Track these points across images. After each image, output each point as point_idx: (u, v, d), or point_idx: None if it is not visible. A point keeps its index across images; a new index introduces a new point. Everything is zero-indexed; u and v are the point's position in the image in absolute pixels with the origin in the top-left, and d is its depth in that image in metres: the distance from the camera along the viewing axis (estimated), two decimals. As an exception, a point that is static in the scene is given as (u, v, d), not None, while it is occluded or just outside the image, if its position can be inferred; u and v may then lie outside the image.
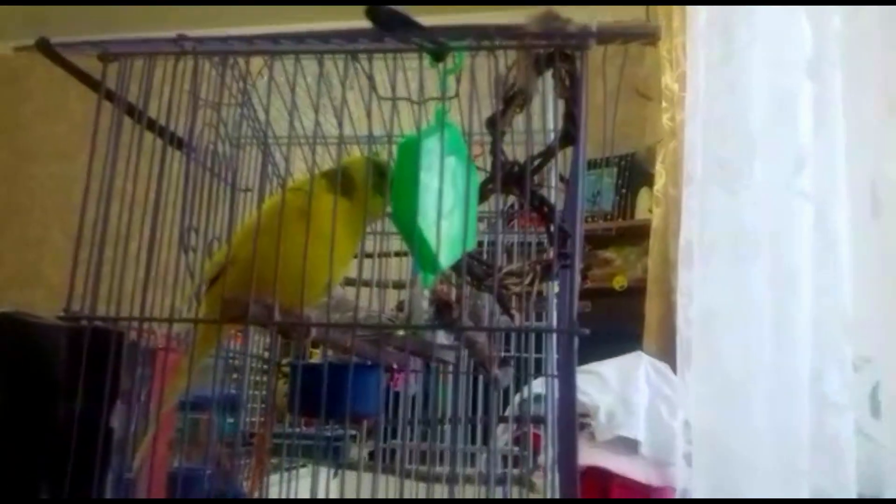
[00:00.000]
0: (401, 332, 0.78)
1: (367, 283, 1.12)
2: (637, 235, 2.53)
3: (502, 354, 0.96)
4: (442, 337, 0.79)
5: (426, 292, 0.75)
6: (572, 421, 0.63)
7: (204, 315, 0.70)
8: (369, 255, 1.10)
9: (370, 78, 0.81)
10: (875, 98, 1.00)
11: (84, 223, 0.64)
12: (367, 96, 0.86)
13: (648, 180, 2.46)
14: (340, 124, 0.85)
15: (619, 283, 2.56)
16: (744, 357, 1.28)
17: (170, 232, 0.74)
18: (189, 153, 0.77)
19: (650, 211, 2.40)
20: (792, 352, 1.22)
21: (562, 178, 1.03)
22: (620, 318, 2.36)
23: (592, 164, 2.70)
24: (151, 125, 0.72)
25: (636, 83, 2.28)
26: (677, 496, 1.46)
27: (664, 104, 2.14)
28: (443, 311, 0.60)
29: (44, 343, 0.59)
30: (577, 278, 0.69)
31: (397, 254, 1.21)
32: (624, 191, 2.72)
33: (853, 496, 1.08)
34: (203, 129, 0.82)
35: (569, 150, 0.87)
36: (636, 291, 2.43)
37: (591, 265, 2.63)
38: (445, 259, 0.69)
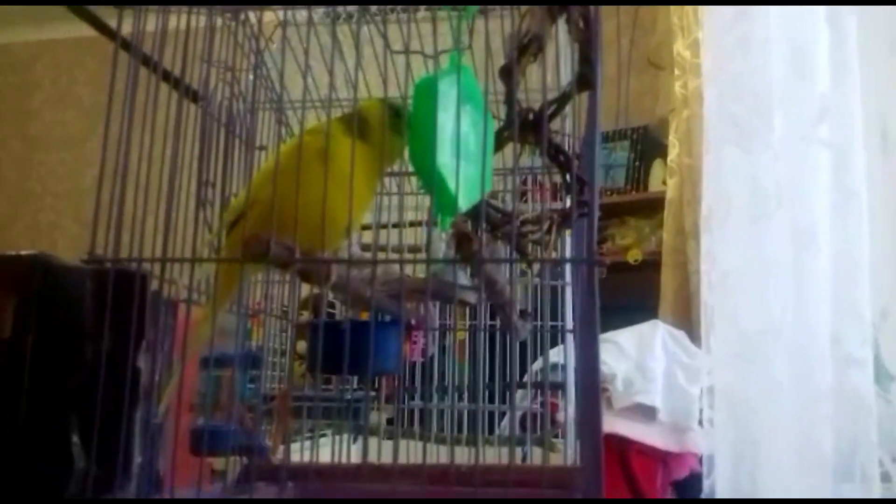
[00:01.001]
0: (421, 275, 0.78)
1: (383, 249, 1.13)
2: (651, 208, 2.52)
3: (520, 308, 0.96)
4: (462, 279, 0.79)
5: (444, 235, 0.76)
6: (595, 361, 0.63)
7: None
8: (384, 227, 1.11)
9: (383, 33, 0.81)
10: (883, 38, 0.99)
11: (105, 171, 0.64)
12: (380, 54, 0.86)
13: (662, 152, 2.45)
14: (355, 80, 0.85)
15: (634, 256, 2.55)
16: (762, 316, 1.28)
17: (188, 184, 0.74)
18: (205, 108, 0.77)
19: (664, 183, 2.39)
20: (811, 308, 1.22)
21: (577, 156, 1.02)
22: (635, 292, 2.36)
23: (605, 138, 2.69)
24: (167, 77, 0.72)
25: (648, 53, 2.27)
26: (704, 462, 1.46)
27: (676, 72, 2.12)
28: (462, 245, 0.60)
29: (70, 285, 0.60)
30: (596, 219, 0.69)
31: (412, 224, 1.22)
32: (637, 164, 2.71)
33: (875, 443, 1.08)
34: (217, 85, 0.82)
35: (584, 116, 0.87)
36: (651, 265, 2.42)
37: (605, 238, 2.62)
38: (463, 202, 0.69)
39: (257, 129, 0.96)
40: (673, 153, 2.26)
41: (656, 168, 2.60)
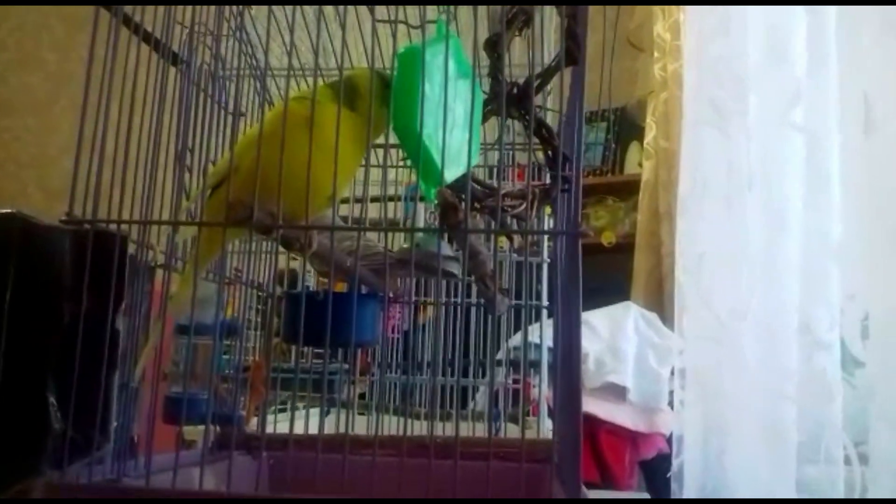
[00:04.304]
0: (405, 245, 0.78)
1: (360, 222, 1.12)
2: (626, 190, 2.53)
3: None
4: (445, 250, 0.79)
5: (431, 208, 0.75)
6: (577, 333, 0.63)
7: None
8: (376, 200, 1.10)
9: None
10: (869, 20, 1.00)
11: (84, 130, 0.63)
12: (364, 22, 0.85)
13: (638, 135, 2.46)
14: (343, 46, 0.84)
15: (608, 238, 2.56)
16: (734, 298, 1.29)
17: (166, 150, 0.73)
18: (185, 72, 0.76)
19: (640, 165, 2.41)
20: (782, 291, 1.24)
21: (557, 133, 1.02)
22: (608, 273, 2.37)
23: (582, 119, 2.68)
24: (146, 38, 0.71)
25: (628, 34, 2.27)
26: (673, 442, 1.48)
27: (656, 54, 2.13)
28: (448, 214, 0.60)
29: (48, 245, 0.59)
30: (580, 193, 0.69)
31: (391, 198, 1.21)
32: (614, 146, 2.71)
33: (839, 423, 1.10)
34: (197, 48, 0.81)
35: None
36: (625, 247, 2.44)
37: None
38: (448, 173, 0.69)
39: (238, 94, 0.94)
40: (650, 135, 2.27)
41: (633, 150, 2.61)
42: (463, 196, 0.70)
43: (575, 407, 0.61)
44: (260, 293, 1.00)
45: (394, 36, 0.74)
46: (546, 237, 1.15)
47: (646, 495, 1.51)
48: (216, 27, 0.82)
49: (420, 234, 0.80)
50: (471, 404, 1.37)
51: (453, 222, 0.59)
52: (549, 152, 0.81)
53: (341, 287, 1.03)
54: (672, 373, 1.65)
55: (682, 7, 1.82)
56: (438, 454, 0.65)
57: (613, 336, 1.78)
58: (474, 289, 1.10)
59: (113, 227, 0.61)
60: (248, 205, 0.60)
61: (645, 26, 2.22)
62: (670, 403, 1.63)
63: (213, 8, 0.83)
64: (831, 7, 1.08)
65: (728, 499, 1.19)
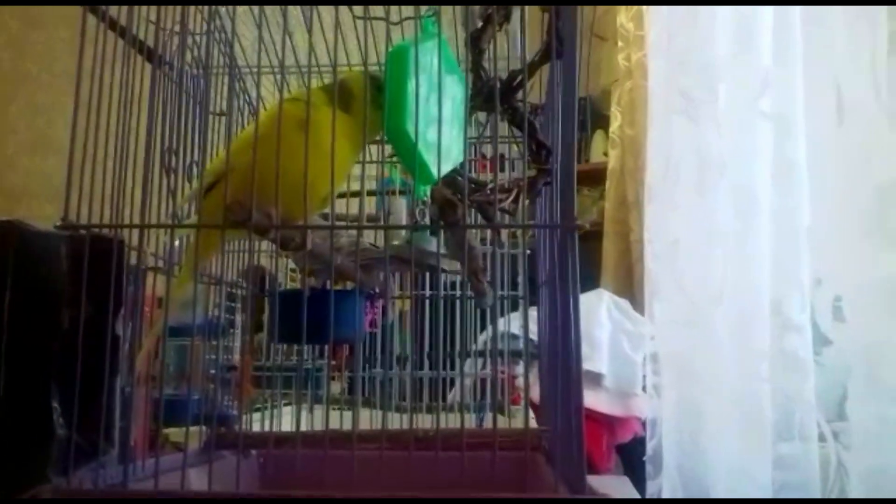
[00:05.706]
0: (394, 242, 0.79)
1: (342, 217, 1.12)
2: (592, 179, 2.55)
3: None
4: (434, 246, 0.80)
5: (419, 203, 0.76)
6: (576, 328, 0.64)
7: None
8: (343, 196, 1.10)
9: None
10: (834, 7, 1.03)
11: (76, 133, 0.62)
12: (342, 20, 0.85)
13: (603, 123, 2.48)
14: (335, 48, 0.84)
15: (575, 226, 2.58)
16: (707, 283, 1.32)
17: (155, 152, 0.73)
18: (161, 69, 0.76)
19: (605, 154, 2.43)
20: (753, 275, 1.27)
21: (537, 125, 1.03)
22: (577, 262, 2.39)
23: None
24: (132, 40, 0.71)
25: (591, 24, 2.29)
26: (647, 425, 1.51)
27: (619, 44, 2.15)
28: (446, 211, 0.60)
29: (45, 251, 0.58)
30: (574, 186, 0.71)
31: (370, 193, 1.21)
32: (579, 134, 2.74)
33: (812, 401, 1.13)
34: (178, 48, 0.80)
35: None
36: (592, 235, 2.46)
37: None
38: (438, 170, 0.70)
39: (214, 93, 0.94)
40: (615, 124, 2.29)
41: (598, 139, 2.64)
42: (459, 193, 0.71)
43: (575, 403, 0.63)
44: (250, 291, 1.00)
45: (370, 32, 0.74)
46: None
47: (625, 479, 1.53)
48: (204, 27, 0.82)
49: (407, 232, 0.81)
50: (450, 395, 1.39)
51: (452, 219, 0.60)
52: (533, 146, 0.83)
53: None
54: (644, 358, 1.68)
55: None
56: (427, 446, 0.66)
57: (588, 323, 1.80)
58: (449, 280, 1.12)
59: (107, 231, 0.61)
60: (246, 206, 0.61)
61: (608, 16, 2.24)
62: (644, 388, 1.66)
63: (193, 8, 0.83)
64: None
65: (724, 499, 1.22)
